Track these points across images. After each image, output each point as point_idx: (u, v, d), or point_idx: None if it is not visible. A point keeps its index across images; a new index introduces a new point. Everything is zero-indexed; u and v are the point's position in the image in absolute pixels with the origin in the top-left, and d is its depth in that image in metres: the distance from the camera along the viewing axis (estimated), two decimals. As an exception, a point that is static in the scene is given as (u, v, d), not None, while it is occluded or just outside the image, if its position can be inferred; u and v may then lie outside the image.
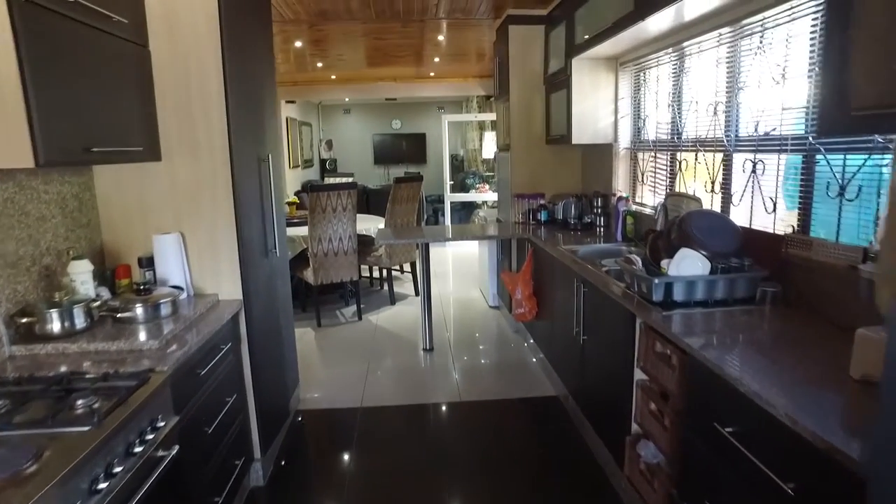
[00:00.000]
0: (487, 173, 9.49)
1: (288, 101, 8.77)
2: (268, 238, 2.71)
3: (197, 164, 2.26)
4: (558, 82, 3.95)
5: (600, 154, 4.02)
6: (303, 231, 4.76)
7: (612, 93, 3.72)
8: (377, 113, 11.77)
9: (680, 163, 3.01)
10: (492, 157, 9.55)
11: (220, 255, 2.33)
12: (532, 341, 4.04)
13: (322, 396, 3.47)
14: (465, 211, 9.20)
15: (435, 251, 7.30)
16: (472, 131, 10.40)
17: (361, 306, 5.12)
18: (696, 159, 2.83)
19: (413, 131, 11.79)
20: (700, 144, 2.76)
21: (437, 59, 6.70)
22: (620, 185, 3.80)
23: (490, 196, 8.25)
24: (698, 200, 2.64)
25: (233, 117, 2.27)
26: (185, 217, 2.30)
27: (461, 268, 7.04)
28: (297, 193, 7.71)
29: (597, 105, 3.72)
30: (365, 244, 5.31)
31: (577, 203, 4.01)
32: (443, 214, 8.49)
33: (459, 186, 9.44)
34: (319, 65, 6.75)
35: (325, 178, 8.31)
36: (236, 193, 2.30)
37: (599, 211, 3.85)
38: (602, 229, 3.82)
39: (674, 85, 3.05)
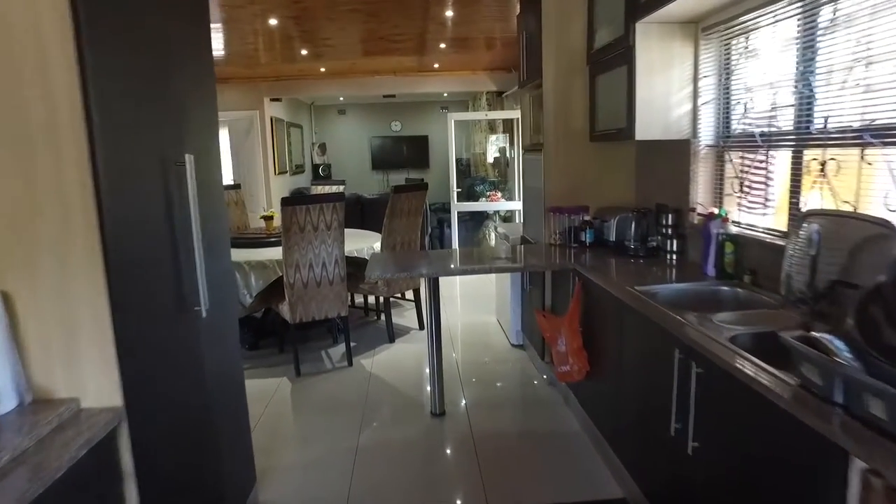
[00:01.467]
0: (494, 178, 8.48)
1: (273, 99, 7.77)
2: (185, 286, 1.69)
3: (29, 166, 1.26)
4: (610, 59, 2.94)
5: (668, 154, 3.00)
6: (279, 254, 3.75)
7: (689, 70, 2.71)
8: (375, 114, 10.81)
9: (824, 163, 1.99)
10: (491, 161, 8.57)
11: (79, 329, 1.32)
12: (575, 400, 3.02)
13: (292, 495, 2.44)
14: (474, 221, 8.17)
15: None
16: (480, 132, 9.40)
17: (353, 345, 4.10)
18: (862, 158, 1.82)
19: (414, 133, 10.83)
20: (872, 136, 1.75)
21: (442, 46, 5.70)
22: (701, 197, 2.78)
23: (503, 205, 7.24)
24: (887, 225, 1.62)
25: (97, 86, 1.27)
26: (8, 263, 1.29)
27: (472, 289, 6.00)
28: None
29: (669, 87, 2.71)
30: (357, 266, 4.29)
31: (637, 220, 2.99)
32: (449, 226, 7.46)
33: (466, 194, 8.43)
34: (304, 52, 5.75)
35: (314, 186, 7.29)
36: (105, 217, 1.29)
37: (670, 231, 2.84)
38: (674, 257, 2.80)
39: (805, 50, 2.04)
